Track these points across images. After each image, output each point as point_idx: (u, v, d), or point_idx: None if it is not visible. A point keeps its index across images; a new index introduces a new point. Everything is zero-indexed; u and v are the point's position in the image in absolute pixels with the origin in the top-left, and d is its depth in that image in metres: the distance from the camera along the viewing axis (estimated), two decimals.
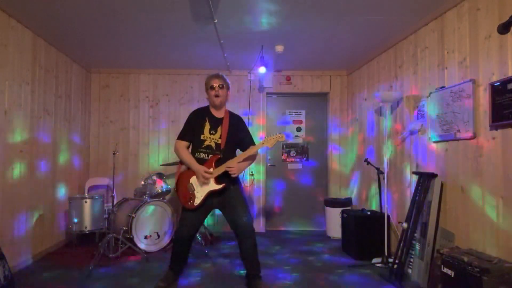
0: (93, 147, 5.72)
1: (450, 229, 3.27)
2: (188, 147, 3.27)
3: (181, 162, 3.28)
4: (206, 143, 3.18)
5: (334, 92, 5.96)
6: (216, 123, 3.22)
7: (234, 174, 3.08)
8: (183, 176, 3.18)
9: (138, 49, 4.80)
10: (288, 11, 3.62)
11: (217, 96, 3.20)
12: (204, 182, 3.07)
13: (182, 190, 3.16)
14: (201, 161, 3.14)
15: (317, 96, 6.06)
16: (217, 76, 3.27)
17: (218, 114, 3.27)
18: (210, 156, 3.14)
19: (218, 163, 3.10)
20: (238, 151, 3.31)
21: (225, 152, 3.15)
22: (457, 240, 3.17)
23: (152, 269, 3.81)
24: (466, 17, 3.12)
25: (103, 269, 3.78)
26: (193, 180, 3.13)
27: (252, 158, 3.24)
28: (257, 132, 5.78)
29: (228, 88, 3.30)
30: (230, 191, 3.15)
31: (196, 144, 3.21)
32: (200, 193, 3.09)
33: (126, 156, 5.71)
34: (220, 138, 3.18)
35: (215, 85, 3.21)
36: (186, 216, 3.16)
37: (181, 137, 3.27)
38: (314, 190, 6.00)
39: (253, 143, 3.28)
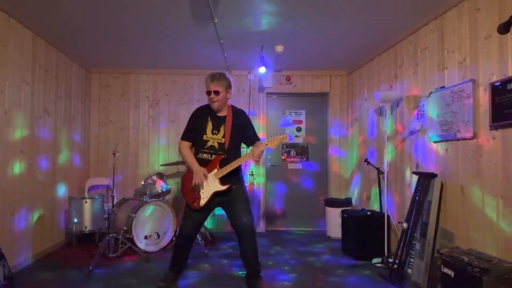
0: (93, 147, 5.72)
1: (450, 229, 3.27)
2: (191, 147, 3.25)
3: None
4: (209, 143, 3.15)
5: (334, 92, 5.96)
6: (218, 122, 3.18)
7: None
8: (188, 177, 3.18)
9: (138, 49, 4.80)
10: (288, 11, 3.62)
11: (213, 102, 3.13)
12: (199, 181, 3.05)
13: (187, 192, 3.16)
14: (204, 162, 3.13)
15: (317, 96, 6.06)
16: (213, 79, 3.09)
17: (220, 112, 3.22)
18: (213, 156, 3.13)
19: (223, 163, 3.09)
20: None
21: (229, 152, 3.14)
22: (457, 240, 3.17)
23: (152, 269, 3.81)
24: (466, 17, 3.12)
25: (103, 269, 3.78)
26: None
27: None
28: (258, 133, 5.75)
29: (227, 88, 3.15)
30: (232, 190, 3.15)
31: (199, 145, 3.19)
32: (205, 194, 3.09)
33: (126, 156, 5.70)
34: (223, 137, 3.15)
35: (211, 90, 3.10)
36: (190, 213, 3.16)
37: (184, 137, 3.24)
38: (314, 190, 6.00)
39: (257, 139, 3.27)
